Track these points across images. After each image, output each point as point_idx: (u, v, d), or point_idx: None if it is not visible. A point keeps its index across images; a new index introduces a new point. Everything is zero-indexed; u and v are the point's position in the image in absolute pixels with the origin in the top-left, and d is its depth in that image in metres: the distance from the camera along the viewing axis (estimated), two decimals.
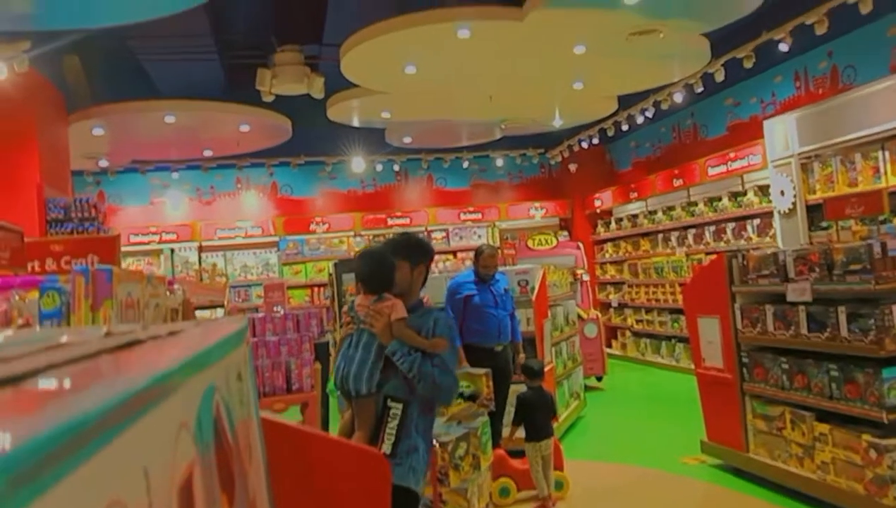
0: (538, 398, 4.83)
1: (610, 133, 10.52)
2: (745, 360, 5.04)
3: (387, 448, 2.74)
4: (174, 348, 0.70)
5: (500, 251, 5.89)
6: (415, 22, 6.00)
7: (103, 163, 10.72)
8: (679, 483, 5.17)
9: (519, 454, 4.86)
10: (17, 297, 2.07)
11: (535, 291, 6.32)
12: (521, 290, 6.37)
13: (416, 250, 3.09)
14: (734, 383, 5.10)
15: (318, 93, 7.44)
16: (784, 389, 4.66)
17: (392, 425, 2.78)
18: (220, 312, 8.72)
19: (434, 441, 3.44)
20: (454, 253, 12.66)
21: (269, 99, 7.59)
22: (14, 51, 5.70)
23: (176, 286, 3.26)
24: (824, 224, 7.31)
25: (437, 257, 12.48)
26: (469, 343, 5.38)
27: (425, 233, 12.73)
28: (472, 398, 4.38)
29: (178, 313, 3.19)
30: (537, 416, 4.73)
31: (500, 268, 6.97)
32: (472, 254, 12.10)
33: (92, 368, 0.50)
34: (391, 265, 3.00)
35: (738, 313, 5.06)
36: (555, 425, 5.02)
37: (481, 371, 4.62)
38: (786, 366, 4.65)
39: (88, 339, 0.76)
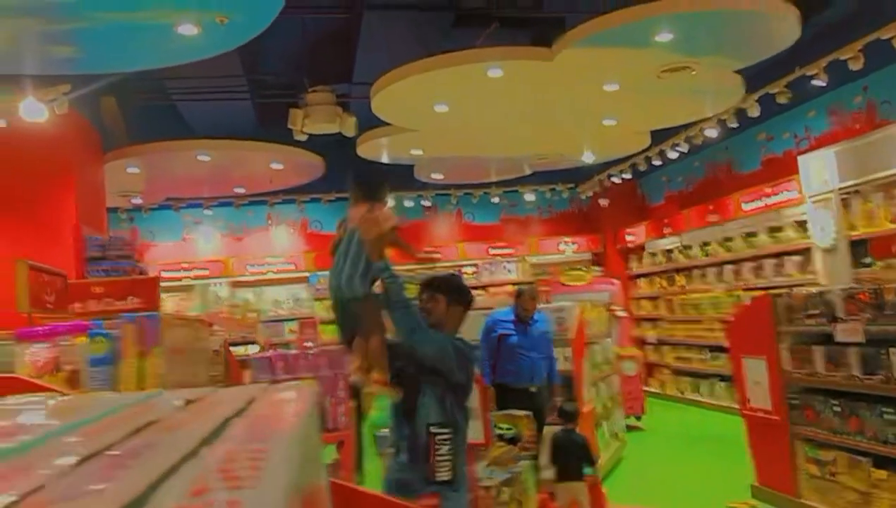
0: (567, 440, 4.76)
1: (642, 168, 10.44)
2: (794, 402, 4.87)
3: (446, 475, 2.67)
4: (274, 424, 0.64)
5: (537, 291, 5.81)
6: (446, 63, 6.02)
7: (137, 201, 10.88)
8: None
9: None
10: (66, 344, 2.05)
11: (573, 329, 6.21)
12: (559, 328, 6.26)
13: (455, 289, 3.09)
14: (783, 425, 4.92)
15: (350, 132, 7.49)
16: (836, 433, 4.48)
17: (443, 451, 2.70)
18: (254, 348, 8.73)
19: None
20: (484, 287, 12.57)
21: (301, 138, 7.65)
22: (55, 94, 5.82)
23: (216, 327, 3.24)
24: (867, 260, 7.12)
25: None
26: (501, 382, 5.30)
27: (455, 269, 12.68)
28: (513, 441, 4.27)
29: (219, 354, 3.16)
30: (563, 457, 4.66)
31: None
32: (501, 289, 12.14)
33: (226, 468, 0.44)
34: (383, 175, 3.02)
35: (785, 354, 4.90)
36: (592, 469, 4.85)
37: (522, 413, 4.52)
38: (838, 409, 4.48)
39: (174, 414, 0.70)
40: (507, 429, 4.35)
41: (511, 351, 5.43)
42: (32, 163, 6.57)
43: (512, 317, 5.59)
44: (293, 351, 6.00)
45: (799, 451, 4.83)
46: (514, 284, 12.72)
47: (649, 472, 6.66)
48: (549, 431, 5.43)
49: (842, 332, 4.30)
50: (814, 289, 4.82)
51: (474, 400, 3.68)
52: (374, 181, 2.96)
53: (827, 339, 4.51)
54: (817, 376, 4.61)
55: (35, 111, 5.60)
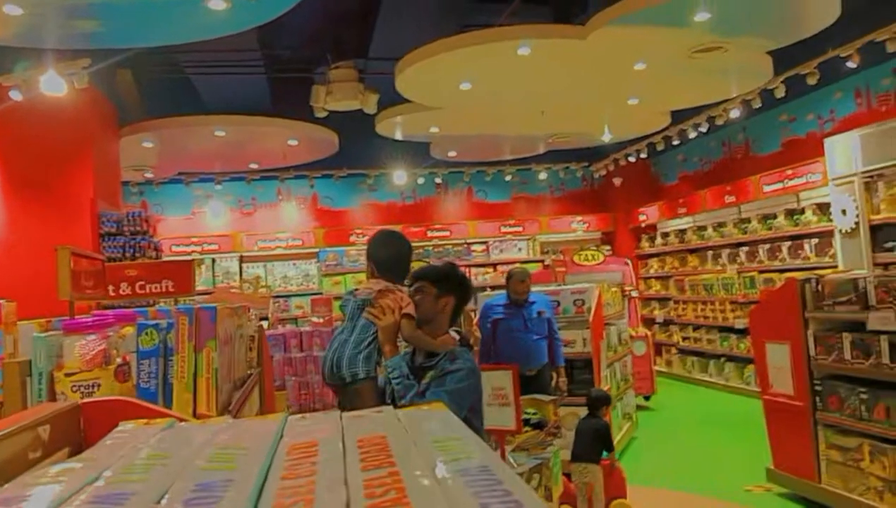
0: (588, 424, 4.85)
1: (659, 147, 10.33)
2: (818, 388, 4.84)
3: None
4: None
5: (528, 273, 5.80)
6: (476, 40, 5.91)
7: (148, 175, 10.81)
8: None
9: None
10: (114, 335, 2.01)
11: (592, 311, 6.18)
12: (577, 310, 6.23)
13: (444, 278, 2.68)
14: (806, 411, 4.91)
15: (372, 109, 7.40)
16: (862, 420, 4.47)
17: None
18: (263, 324, 8.70)
19: None
20: (494, 266, 12.55)
21: (321, 115, 7.56)
22: (75, 67, 5.74)
23: (251, 312, 3.21)
24: (888, 244, 7.06)
25: (476, 270, 12.46)
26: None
27: (465, 247, 12.65)
28: (538, 426, 4.26)
29: (254, 340, 3.13)
30: (581, 440, 4.76)
31: (553, 286, 6.86)
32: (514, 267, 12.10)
33: None
34: (409, 249, 2.78)
35: (811, 340, 4.87)
36: (608, 454, 4.87)
37: (548, 398, 4.51)
38: (865, 396, 4.45)
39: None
40: (533, 413, 4.34)
41: (506, 335, 5.41)
42: (50, 138, 6.51)
43: (504, 302, 5.57)
44: (305, 328, 6.01)
45: (821, 437, 4.82)
46: (523, 262, 12.71)
47: (662, 454, 6.69)
48: (571, 414, 5.47)
49: (876, 321, 4.26)
50: (845, 276, 4.77)
51: (507, 384, 3.67)
52: (397, 256, 2.72)
53: (858, 327, 4.47)
54: (844, 363, 4.58)
55: (55, 85, 5.53)
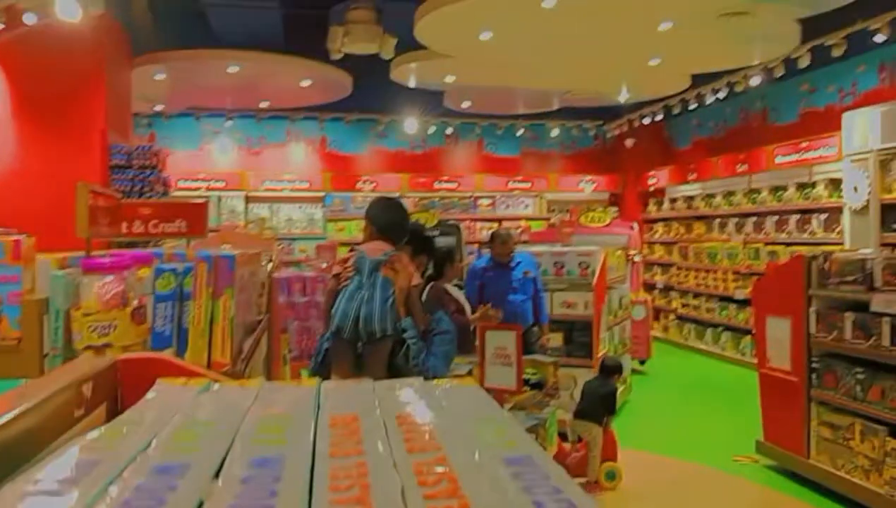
0: (596, 385, 4.99)
1: (676, 111, 10.20)
2: (815, 366, 4.90)
3: None
4: None
5: (511, 235, 5.89)
6: None
7: (158, 108, 10.71)
8: (735, 483, 5.10)
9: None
10: (131, 277, 2.02)
11: (596, 275, 6.20)
12: (582, 273, 6.25)
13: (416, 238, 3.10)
14: (801, 387, 4.97)
15: (389, 54, 7.27)
16: (856, 399, 4.53)
17: None
18: (268, 267, 8.72)
19: None
20: (500, 221, 12.54)
21: (337, 56, 7.44)
22: None
23: (263, 256, 3.22)
24: None
25: (483, 225, 12.44)
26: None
27: (472, 200, 12.61)
28: (537, 386, 4.33)
29: (264, 286, 3.15)
30: (586, 400, 4.89)
31: (558, 247, 6.88)
32: (519, 223, 12.09)
33: None
34: (408, 217, 3.04)
35: (812, 317, 4.90)
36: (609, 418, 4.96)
37: (549, 359, 4.57)
38: (861, 377, 4.50)
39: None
40: (533, 373, 4.41)
41: (492, 296, 5.43)
42: (63, 66, 6.41)
43: (488, 264, 5.61)
44: (309, 273, 6.02)
45: (814, 413, 4.89)
46: (529, 219, 12.70)
47: (654, 418, 6.80)
48: (568, 375, 5.56)
49: (880, 302, 4.27)
50: (852, 256, 4.76)
51: (510, 344, 3.72)
52: (403, 223, 2.96)
53: (861, 307, 4.49)
54: (844, 342, 4.61)
55: (71, 10, 5.42)
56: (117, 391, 0.88)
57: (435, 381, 0.85)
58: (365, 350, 2.68)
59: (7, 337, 1.87)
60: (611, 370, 5.03)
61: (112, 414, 0.83)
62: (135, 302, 1.99)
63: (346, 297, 2.70)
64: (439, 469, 0.55)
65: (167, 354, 2.01)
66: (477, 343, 3.77)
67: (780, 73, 8.04)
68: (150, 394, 0.76)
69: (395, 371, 2.66)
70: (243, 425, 0.65)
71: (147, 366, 0.90)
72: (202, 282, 1.94)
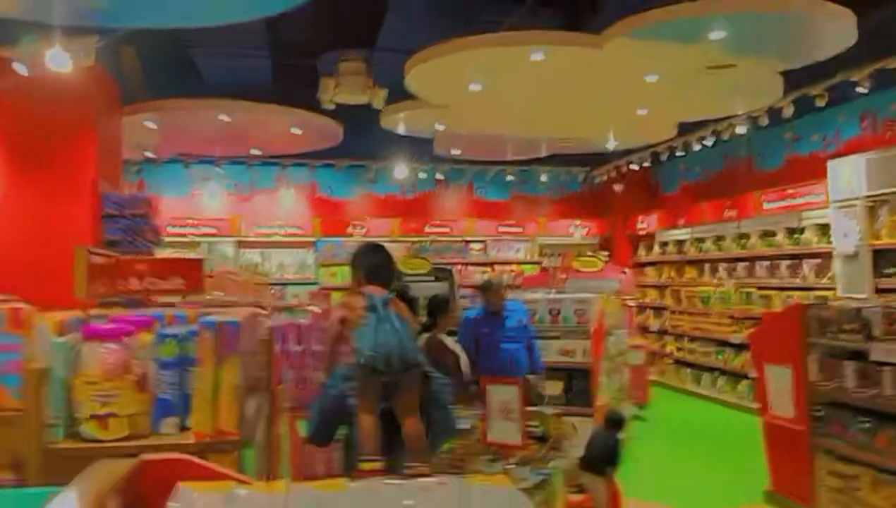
0: (600, 436, 4.86)
1: (663, 157, 10.32)
2: (818, 414, 4.85)
3: None
4: None
5: (502, 283, 5.83)
6: (489, 42, 5.86)
7: (149, 154, 10.68)
8: None
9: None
10: (133, 344, 1.95)
11: (593, 321, 6.16)
12: (579, 320, 6.21)
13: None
14: (805, 436, 4.91)
15: (380, 104, 7.32)
16: (862, 449, 4.47)
17: None
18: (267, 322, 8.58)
19: None
20: (492, 265, 12.52)
21: (329, 107, 7.48)
22: (84, 45, 5.62)
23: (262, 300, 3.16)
24: (889, 270, 7.09)
25: (474, 268, 12.40)
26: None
27: (463, 244, 12.60)
28: (541, 438, 4.23)
29: (265, 344, 3.08)
30: (591, 451, 4.74)
31: (553, 294, 6.84)
32: (510, 268, 12.07)
33: None
34: (391, 257, 3.16)
35: (813, 366, 4.87)
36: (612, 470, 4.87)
37: (550, 410, 4.49)
38: (866, 426, 4.46)
39: None
40: (536, 426, 4.32)
41: (488, 347, 5.35)
42: (54, 116, 6.37)
43: (481, 314, 5.51)
44: (304, 320, 5.90)
45: (820, 463, 4.82)
46: (521, 263, 12.69)
47: (658, 468, 6.67)
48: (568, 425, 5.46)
49: (880, 352, 4.25)
50: (849, 304, 4.77)
51: (513, 399, 3.65)
52: (383, 264, 3.05)
53: (859, 355, 4.47)
54: (846, 392, 4.58)
55: (61, 61, 5.41)
56: (138, 491, 0.82)
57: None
58: (401, 379, 2.74)
59: (7, 408, 1.79)
60: (618, 423, 4.94)
61: None
62: (137, 370, 1.93)
63: (370, 333, 2.70)
64: None
65: (171, 425, 1.93)
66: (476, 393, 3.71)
67: (764, 122, 8.19)
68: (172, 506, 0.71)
69: (424, 401, 2.78)
70: None
71: (170, 468, 0.85)
72: (208, 349, 1.88)
